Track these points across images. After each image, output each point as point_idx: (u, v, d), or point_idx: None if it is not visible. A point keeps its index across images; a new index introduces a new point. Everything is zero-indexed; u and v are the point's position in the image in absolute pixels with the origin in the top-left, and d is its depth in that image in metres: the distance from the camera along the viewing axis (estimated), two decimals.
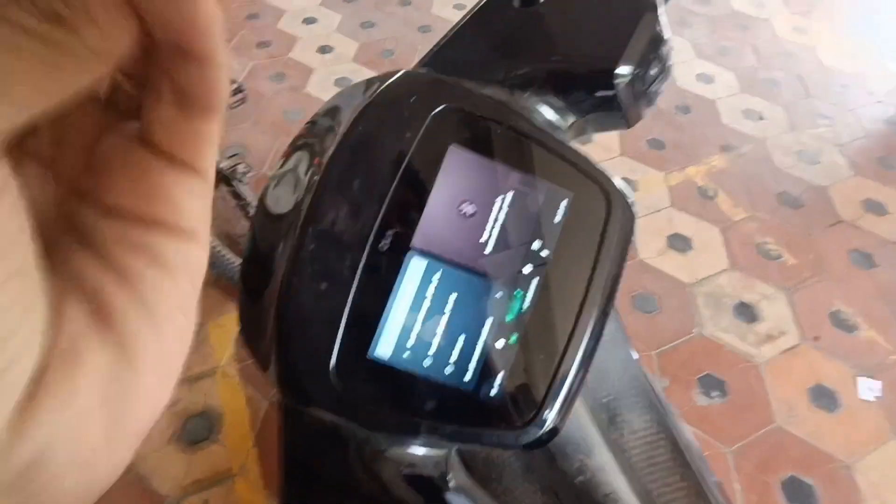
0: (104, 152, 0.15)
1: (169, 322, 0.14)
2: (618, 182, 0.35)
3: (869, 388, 1.37)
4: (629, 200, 0.35)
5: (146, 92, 0.14)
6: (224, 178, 1.48)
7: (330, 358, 0.30)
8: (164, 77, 0.14)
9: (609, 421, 0.71)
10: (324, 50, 2.36)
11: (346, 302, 0.30)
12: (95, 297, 0.13)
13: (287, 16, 2.53)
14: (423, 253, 0.31)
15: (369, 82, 0.35)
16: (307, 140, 0.35)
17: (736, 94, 2.21)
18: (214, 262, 1.26)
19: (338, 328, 0.30)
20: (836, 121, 2.10)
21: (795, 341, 1.46)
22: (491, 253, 0.32)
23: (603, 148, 1.97)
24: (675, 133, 2.04)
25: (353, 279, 0.30)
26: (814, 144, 2.01)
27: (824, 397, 1.36)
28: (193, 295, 0.15)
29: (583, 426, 0.63)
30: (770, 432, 1.30)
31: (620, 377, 0.75)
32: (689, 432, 0.70)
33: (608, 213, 0.34)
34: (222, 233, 1.45)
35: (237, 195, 1.51)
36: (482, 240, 0.32)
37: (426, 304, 0.31)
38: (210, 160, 0.16)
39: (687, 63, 2.35)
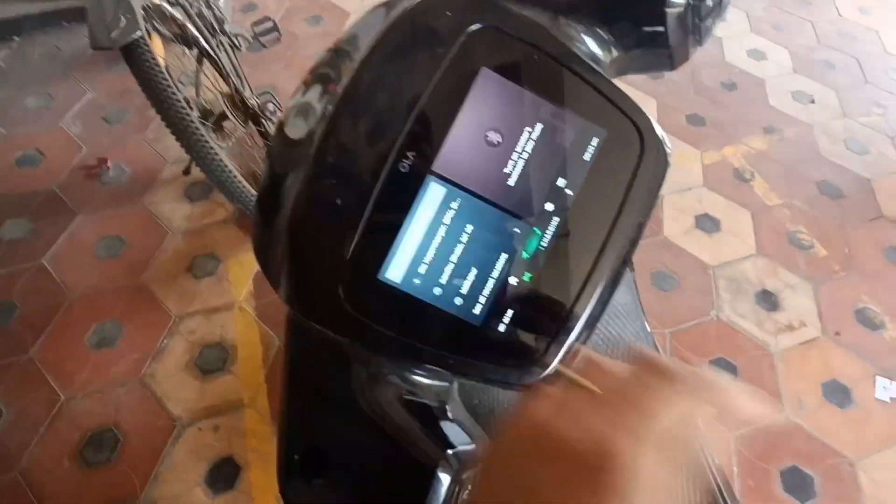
0: None
1: None
2: (657, 126, 0.33)
3: (885, 389, 1.33)
4: (666, 147, 0.33)
5: None
6: (253, 117, 1.47)
7: (340, 275, 0.29)
8: None
9: None
10: None
11: (360, 221, 0.29)
12: None
13: None
14: (443, 179, 0.30)
15: (389, 4, 0.33)
16: (326, 67, 0.34)
17: (787, 74, 2.09)
18: (238, 198, 1.27)
19: (350, 246, 0.29)
20: (890, 110, 1.99)
21: (815, 334, 1.43)
22: (513, 186, 0.31)
23: None
24: (717, 110, 1.95)
25: (370, 198, 0.29)
26: (864, 133, 1.91)
27: (838, 393, 1.33)
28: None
29: None
30: (777, 422, 1.29)
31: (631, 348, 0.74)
32: None
33: (640, 157, 0.32)
34: (248, 171, 1.45)
35: (265, 135, 1.51)
36: (506, 170, 0.31)
37: (441, 231, 0.30)
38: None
39: (739, 37, 2.22)
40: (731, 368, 1.36)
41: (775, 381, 1.35)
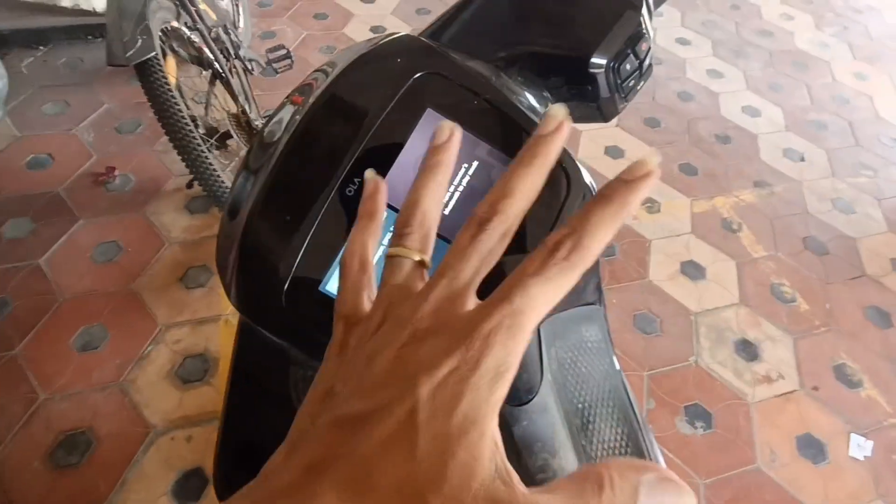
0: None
1: None
2: (583, 171, 0.37)
3: (860, 447, 1.33)
4: (591, 191, 0.37)
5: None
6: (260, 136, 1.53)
7: (284, 283, 0.32)
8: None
9: (581, 426, 0.73)
10: (376, 30, 2.41)
11: (306, 236, 0.32)
12: None
13: None
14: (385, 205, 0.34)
15: (370, 40, 0.37)
16: (304, 85, 0.38)
17: (780, 132, 2.16)
18: None
19: (295, 257, 0.32)
20: (879, 174, 2.04)
21: (793, 387, 1.44)
22: (447, 215, 0.34)
23: None
24: (709, 161, 2.01)
25: (317, 216, 0.33)
26: (851, 194, 1.95)
27: (812, 448, 1.33)
28: None
29: (553, 426, 0.65)
30: (748, 472, 1.29)
31: (600, 385, 0.76)
32: (660, 454, 0.71)
33: (566, 198, 0.35)
34: None
35: None
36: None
37: (380, 251, 0.33)
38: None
39: (735, 93, 2.30)
40: (707, 416, 1.37)
41: (750, 430, 1.35)
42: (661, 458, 0.72)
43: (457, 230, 0.35)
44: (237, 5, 2.02)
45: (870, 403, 1.42)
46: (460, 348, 0.18)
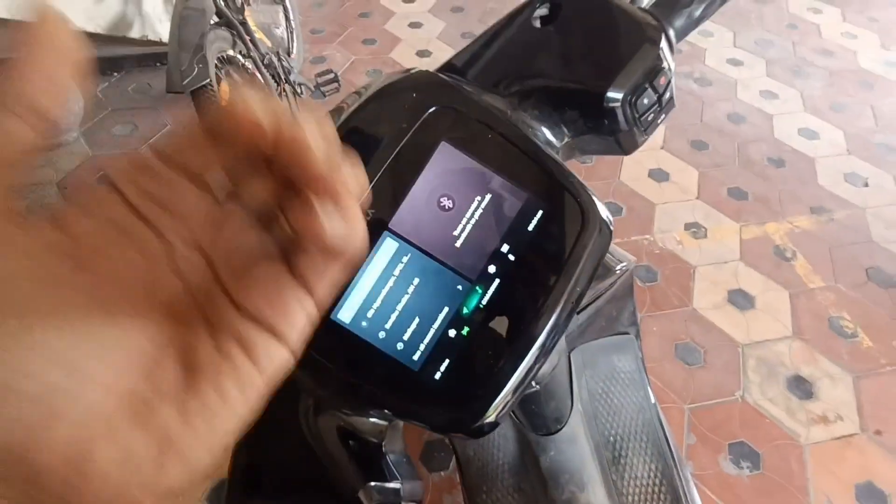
0: (260, 270, 0.18)
1: (234, 396, 0.17)
2: (599, 205, 0.36)
3: None
4: (608, 225, 0.36)
5: (300, 235, 0.18)
6: None
7: None
8: (311, 228, 0.17)
9: (612, 460, 0.70)
10: (423, 54, 2.47)
11: None
12: (191, 356, 0.17)
13: (395, 17, 2.66)
14: (397, 236, 0.34)
15: (390, 75, 0.39)
16: (338, 107, 0.39)
17: (841, 155, 2.04)
18: None
19: None
20: None
21: (853, 430, 1.33)
22: (460, 247, 0.35)
23: (681, 189, 1.89)
24: (761, 185, 1.92)
25: None
26: None
27: (873, 498, 1.22)
28: (262, 387, 0.18)
29: (582, 459, 0.63)
30: None
31: (633, 419, 0.73)
32: (696, 494, 0.67)
33: (581, 232, 0.35)
34: None
35: None
36: (454, 233, 0.35)
37: (391, 282, 0.34)
38: (329, 290, 0.19)
39: (791, 115, 2.20)
40: (754, 455, 1.28)
41: (803, 475, 1.26)
42: (697, 498, 0.68)
43: (466, 264, 0.36)
44: (291, 32, 2.13)
45: None
46: None
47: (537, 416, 0.60)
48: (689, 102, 2.24)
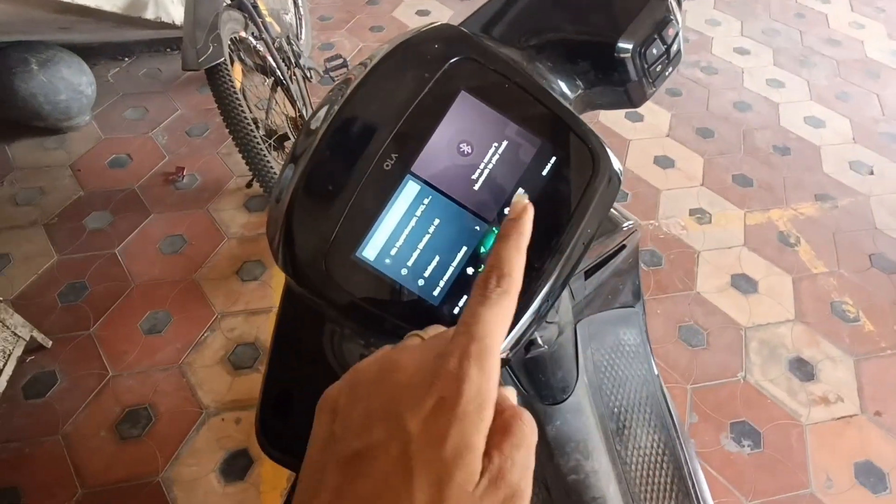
0: None
1: None
2: (609, 152, 0.38)
3: None
4: (617, 170, 0.38)
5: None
6: None
7: (325, 248, 0.36)
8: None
9: (616, 431, 0.72)
10: None
11: (346, 205, 0.36)
12: None
13: (403, 5, 2.67)
14: (419, 178, 0.37)
15: (411, 30, 0.41)
16: (345, 79, 0.41)
17: (846, 143, 2.05)
18: None
19: (335, 225, 0.36)
20: None
21: (853, 411, 1.35)
22: (478, 190, 0.37)
23: (686, 176, 1.91)
24: (766, 172, 1.93)
25: (356, 187, 0.36)
26: None
27: (872, 476, 1.25)
28: None
29: (587, 428, 0.65)
30: (800, 497, 1.22)
31: (637, 390, 0.75)
32: (699, 467, 0.69)
33: (592, 177, 0.37)
34: None
35: None
36: (473, 177, 0.37)
37: (413, 222, 0.36)
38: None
39: (797, 103, 2.21)
40: (755, 434, 1.31)
41: (804, 453, 1.28)
42: (699, 471, 0.70)
43: (484, 206, 0.38)
44: (300, 19, 2.15)
45: None
46: (436, 383, 0.20)
47: (545, 385, 0.63)
48: (695, 91, 2.25)
